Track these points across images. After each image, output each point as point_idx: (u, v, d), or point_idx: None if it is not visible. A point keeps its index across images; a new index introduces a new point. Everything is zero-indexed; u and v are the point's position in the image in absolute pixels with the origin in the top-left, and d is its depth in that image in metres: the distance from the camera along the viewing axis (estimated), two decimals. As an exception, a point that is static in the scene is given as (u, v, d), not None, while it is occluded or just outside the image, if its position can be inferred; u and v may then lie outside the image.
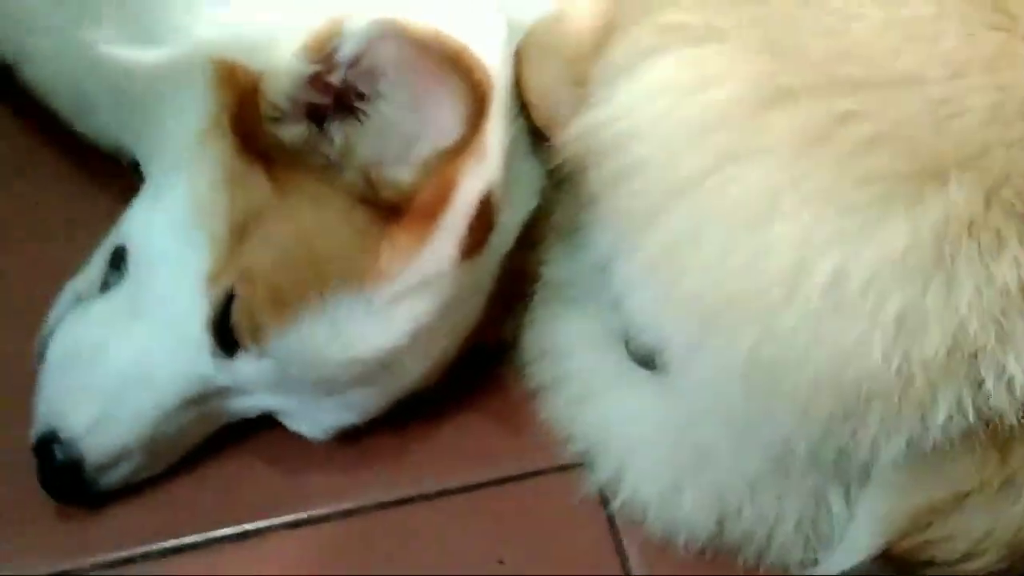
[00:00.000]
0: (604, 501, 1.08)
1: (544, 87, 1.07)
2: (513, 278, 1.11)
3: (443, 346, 1.07)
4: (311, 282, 0.98)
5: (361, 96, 0.95)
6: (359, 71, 0.94)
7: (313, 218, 0.98)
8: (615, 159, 0.95)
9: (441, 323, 1.04)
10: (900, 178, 0.88)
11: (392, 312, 1.01)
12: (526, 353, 1.12)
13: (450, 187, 1.00)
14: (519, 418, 1.13)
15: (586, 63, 1.02)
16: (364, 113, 0.96)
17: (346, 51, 0.93)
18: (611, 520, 1.08)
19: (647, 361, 1.03)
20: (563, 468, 1.10)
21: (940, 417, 0.88)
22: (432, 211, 1.00)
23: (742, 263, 0.89)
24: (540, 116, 1.07)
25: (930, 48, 0.90)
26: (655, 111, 0.94)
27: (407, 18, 0.91)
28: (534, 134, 1.10)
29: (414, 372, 1.06)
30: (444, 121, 0.92)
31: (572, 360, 1.09)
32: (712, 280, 0.91)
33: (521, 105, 1.10)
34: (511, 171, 1.08)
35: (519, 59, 1.09)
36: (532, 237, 1.11)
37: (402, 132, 0.95)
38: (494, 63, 1.05)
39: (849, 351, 0.87)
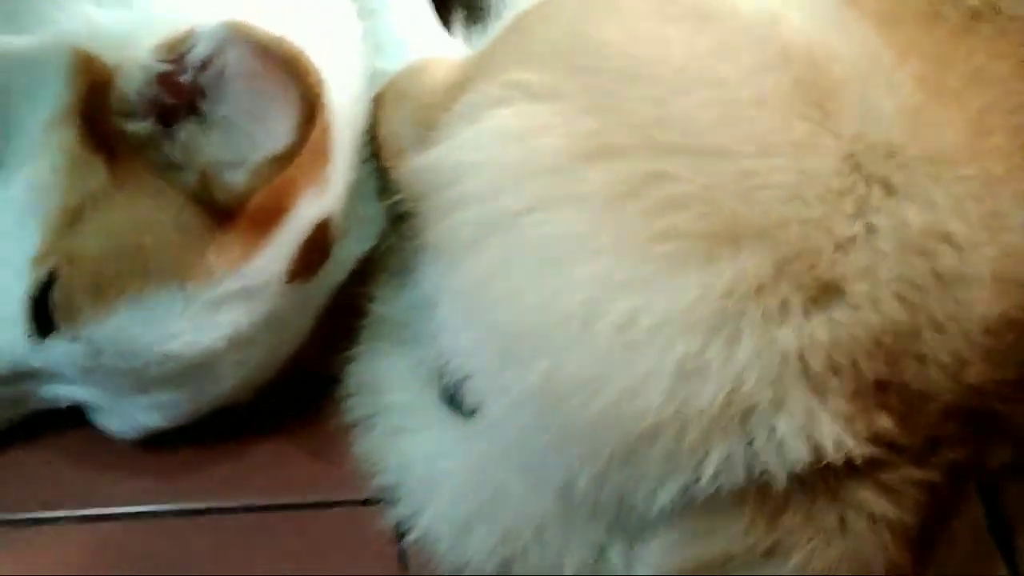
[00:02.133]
0: (400, 536, 1.10)
1: (395, 127, 1.12)
2: (343, 313, 1.14)
3: (261, 361, 1.09)
4: (134, 272, 1.00)
5: (207, 98, 0.99)
6: (208, 73, 0.98)
7: (145, 211, 1.01)
8: (443, 193, 1.00)
9: (261, 337, 1.07)
10: (699, 237, 0.93)
11: (211, 315, 1.03)
12: (347, 386, 1.15)
13: (285, 202, 1.03)
14: (333, 449, 1.14)
15: (437, 110, 1.07)
16: (208, 115, 0.99)
17: (197, 52, 0.97)
18: (402, 556, 1.09)
19: (457, 403, 1.05)
20: (366, 502, 1.12)
21: (711, 467, 0.92)
22: (264, 222, 1.03)
23: (543, 299, 0.94)
24: (387, 153, 1.11)
25: (746, 128, 0.96)
26: (486, 152, 0.99)
27: (256, 24, 0.95)
28: (382, 179, 1.15)
29: (228, 382, 1.07)
30: (277, 127, 0.96)
31: (389, 396, 1.12)
32: (514, 313, 0.95)
33: (373, 149, 1.14)
34: (354, 208, 1.12)
35: (377, 103, 1.14)
36: (366, 275, 1.15)
37: (240, 136, 0.98)
38: (349, 100, 1.10)
39: (632, 391, 0.91)
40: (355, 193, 1.12)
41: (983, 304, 0.96)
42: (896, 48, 1.03)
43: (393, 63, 1.16)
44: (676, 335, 0.91)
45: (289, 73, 0.94)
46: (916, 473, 0.97)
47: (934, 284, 0.95)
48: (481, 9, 1.25)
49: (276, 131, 0.96)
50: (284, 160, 0.97)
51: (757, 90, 0.97)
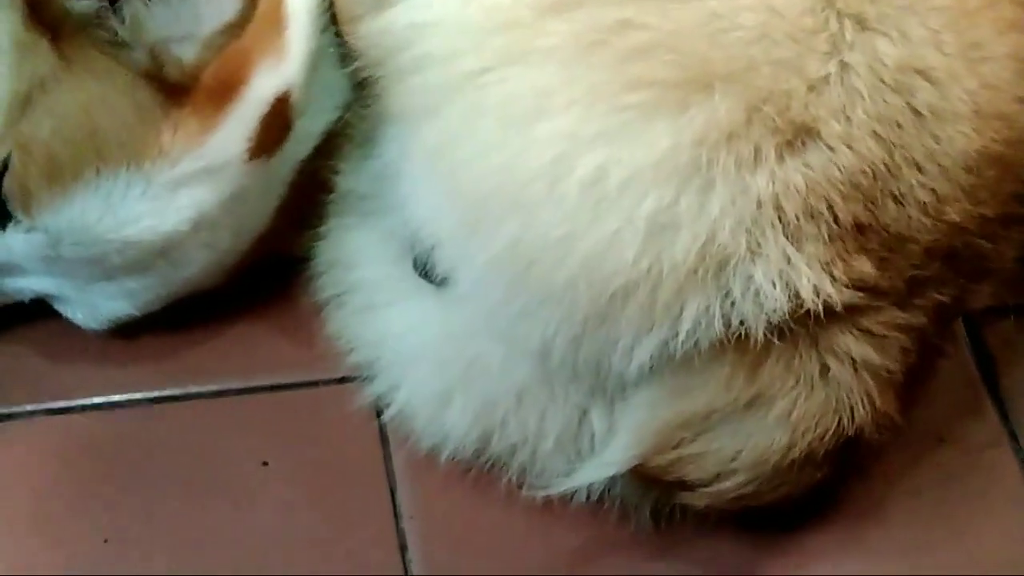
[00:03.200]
0: (378, 413, 1.08)
1: (350, -6, 1.08)
2: (309, 188, 1.11)
3: (228, 243, 1.06)
4: (88, 156, 0.97)
5: (152, -32, 0.95)
6: (151, -56, 0.94)
7: (96, 92, 0.97)
8: (400, 56, 0.96)
9: (226, 218, 1.04)
10: (668, 86, 0.89)
11: (172, 196, 1.00)
12: (317, 264, 1.12)
13: (240, 77, 1.00)
14: (305, 329, 1.12)
15: (393, -29, 1.03)
16: (153, -13, 0.96)
17: (139, -77, 0.93)
18: (383, 432, 1.08)
19: (429, 274, 1.03)
20: (342, 380, 1.10)
21: (688, 322, 0.89)
22: (220, 97, 0.99)
23: (508, 158, 0.91)
24: (345, 19, 1.07)
25: (711, -33, 0.92)
26: (443, 9, 0.95)
27: None
28: (343, 47, 1.11)
29: (195, 265, 1.05)
30: (223, -4, 0.92)
31: (359, 272, 1.09)
32: (480, 175, 0.92)
33: (332, 16, 1.10)
34: (315, 79, 1.08)
35: (332, -34, 1.10)
36: (332, 147, 1.11)
37: (186, 9, 0.94)
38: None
39: (603, 249, 0.89)
40: (316, 63, 1.08)
41: (963, 139, 0.93)
42: None
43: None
44: (647, 188, 0.88)
45: (229, -63, 0.90)
46: (899, 316, 0.95)
47: (911, 121, 0.92)
48: None
49: (222, 1, 0.92)
50: (233, 30, 0.94)
51: (723, -72, 0.93)
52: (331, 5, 1.10)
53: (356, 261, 1.10)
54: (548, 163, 0.89)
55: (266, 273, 1.12)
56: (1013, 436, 1.13)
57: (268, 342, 1.13)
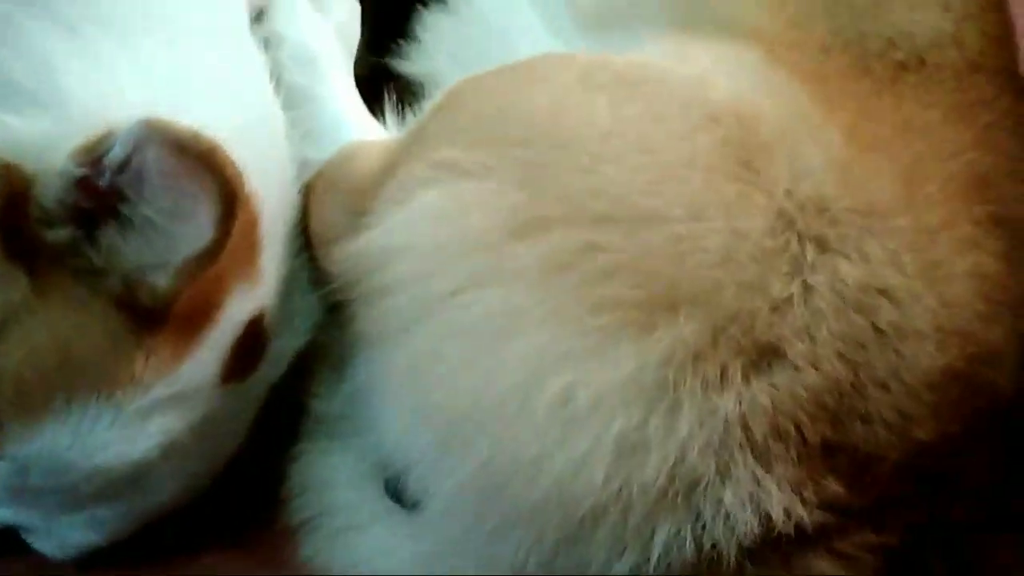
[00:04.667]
0: (352, 639, 1.06)
1: (326, 216, 1.10)
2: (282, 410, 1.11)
3: (198, 467, 1.06)
4: (58, 385, 0.97)
5: (127, 200, 0.96)
6: (126, 174, 0.95)
7: (69, 320, 0.98)
8: (373, 279, 0.98)
9: (197, 443, 1.04)
10: (634, 307, 0.91)
11: (142, 424, 1.00)
12: (290, 488, 1.12)
13: (214, 302, 1.01)
14: (279, 554, 1.11)
15: (367, 196, 1.06)
16: (128, 218, 0.97)
17: (114, 154, 0.95)
18: (356, 658, 1.06)
19: (400, 497, 1.02)
20: (314, 605, 1.09)
21: (660, 546, 0.89)
22: (193, 324, 1.00)
23: (477, 381, 0.91)
24: (320, 243, 1.09)
25: (675, 191, 0.94)
26: (414, 234, 0.97)
27: (171, 120, 0.93)
28: (316, 270, 1.12)
29: (165, 491, 1.04)
30: (197, 224, 0.94)
31: (333, 496, 1.09)
32: (449, 398, 0.93)
33: (306, 239, 1.13)
34: (288, 301, 1.10)
35: (308, 193, 1.12)
36: (305, 370, 1.12)
37: (161, 237, 0.96)
38: (278, 191, 1.08)
39: (573, 470, 0.89)
40: (289, 286, 1.10)
41: (926, 358, 0.94)
42: (823, 104, 1.03)
43: (322, 151, 1.14)
44: (615, 409, 0.89)
45: (205, 168, 0.92)
46: (871, 538, 0.94)
47: (875, 340, 0.93)
48: (412, 92, 1.24)
49: (196, 229, 0.94)
50: (207, 258, 0.95)
51: (685, 153, 0.96)
52: (305, 228, 1.12)
53: (329, 483, 1.09)
54: (517, 384, 0.90)
55: (238, 495, 1.12)
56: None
57: (242, 567, 1.11)
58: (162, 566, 1.09)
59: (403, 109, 1.19)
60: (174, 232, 0.95)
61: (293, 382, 1.12)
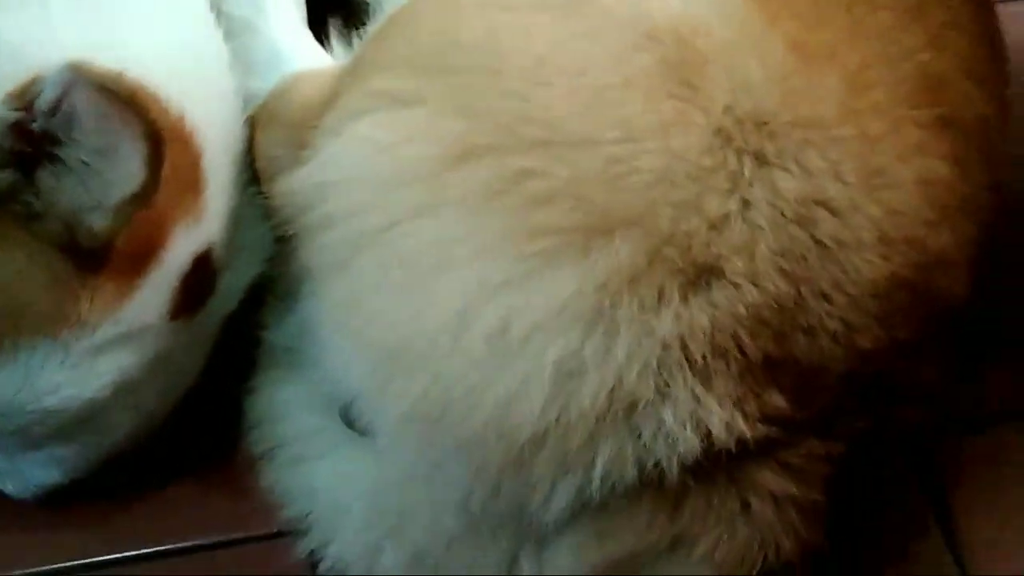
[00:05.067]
0: (313, 566, 1.07)
1: (269, 149, 1.09)
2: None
3: (154, 404, 1.06)
4: (4, 328, 0.98)
5: (60, 143, 0.96)
6: (58, 117, 0.95)
7: (12, 265, 0.98)
8: (310, 214, 0.98)
9: (150, 380, 1.04)
10: (569, 232, 0.90)
11: (91, 364, 1.00)
12: (248, 419, 1.12)
13: (156, 240, 1.01)
14: (240, 484, 1.12)
15: (307, 128, 1.05)
16: (63, 160, 0.96)
17: (45, 97, 0.94)
18: (318, 585, 1.07)
19: (354, 424, 1.03)
20: (278, 535, 1.10)
21: (601, 467, 0.89)
22: (136, 263, 1.00)
23: (414, 311, 0.91)
24: (265, 177, 1.09)
25: (610, 113, 0.93)
26: (349, 167, 0.97)
27: (97, 63, 0.92)
28: (265, 203, 1.12)
29: (122, 429, 1.05)
30: (127, 165, 0.93)
31: (290, 425, 1.09)
32: (388, 329, 0.93)
33: (253, 173, 1.12)
34: (239, 235, 1.09)
35: (252, 126, 1.12)
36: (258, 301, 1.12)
37: (95, 178, 0.95)
38: (221, 125, 1.08)
39: (511, 398, 0.89)
40: (239, 220, 1.10)
41: (869, 267, 0.94)
42: (768, 13, 1.01)
43: (265, 82, 1.13)
44: (551, 335, 0.88)
45: (129, 109, 0.91)
46: (818, 447, 0.95)
47: (815, 253, 0.93)
48: (360, 14, 1.22)
49: (126, 169, 0.94)
50: (140, 198, 0.95)
51: (622, 74, 0.95)
52: (252, 163, 1.12)
53: (285, 414, 1.10)
54: (453, 315, 0.90)
55: (199, 427, 1.12)
56: (959, 562, 1.13)
57: (204, 498, 1.12)
58: (126, 500, 1.11)
59: (351, 32, 1.18)
60: (106, 173, 0.95)
61: (250, 314, 1.12)
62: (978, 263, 1.05)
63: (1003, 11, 1.41)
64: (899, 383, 0.99)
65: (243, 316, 1.11)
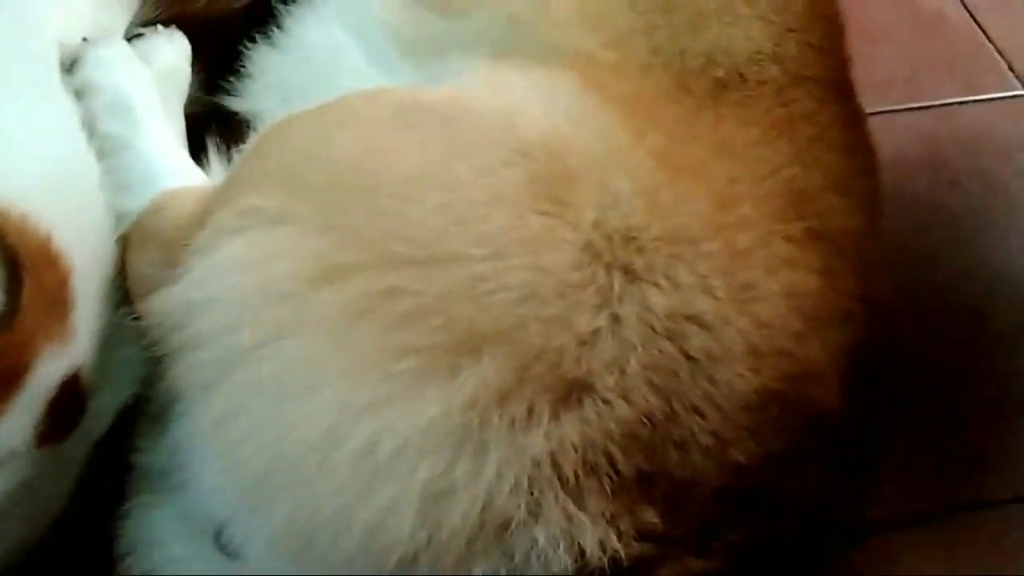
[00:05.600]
0: None
1: (142, 268, 1.08)
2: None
3: (22, 531, 1.03)
4: None
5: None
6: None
7: None
8: (179, 334, 0.96)
9: (17, 507, 1.01)
10: (436, 351, 0.90)
11: (-45, 492, 0.98)
12: (121, 545, 1.09)
13: (20, 365, 0.99)
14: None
15: (179, 246, 1.04)
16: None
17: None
18: None
19: (226, 549, 1.01)
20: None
21: (476, 591, 0.88)
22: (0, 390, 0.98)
23: (281, 433, 0.90)
24: (137, 296, 1.07)
25: (478, 230, 0.93)
26: (218, 286, 0.96)
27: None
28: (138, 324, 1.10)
29: (-12, 557, 1.02)
30: (-14, 291, 0.92)
31: (163, 551, 1.06)
32: (256, 451, 0.91)
33: (126, 292, 1.10)
34: (109, 357, 1.07)
35: (123, 245, 1.10)
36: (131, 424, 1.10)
37: (-46, 304, 0.94)
38: (91, 245, 1.06)
39: (379, 521, 0.88)
40: (110, 341, 1.08)
41: (740, 381, 0.94)
42: (635, 129, 1.02)
43: (138, 200, 1.12)
44: (419, 456, 0.87)
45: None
46: (695, 563, 0.94)
47: (687, 367, 0.93)
48: (240, 132, 1.22)
49: (-15, 295, 0.92)
50: (1, 326, 0.93)
51: (490, 190, 0.95)
52: (124, 282, 1.10)
53: (159, 540, 1.06)
54: (319, 436, 0.89)
55: (74, 555, 1.09)
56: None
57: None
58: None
59: (230, 150, 1.18)
60: (-35, 300, 0.93)
61: (122, 437, 1.10)
62: (853, 373, 1.06)
63: (878, 123, 1.46)
64: (775, 495, 0.99)
65: (115, 438, 1.09)
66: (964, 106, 1.60)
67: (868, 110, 1.48)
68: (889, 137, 1.49)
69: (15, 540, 1.03)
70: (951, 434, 1.29)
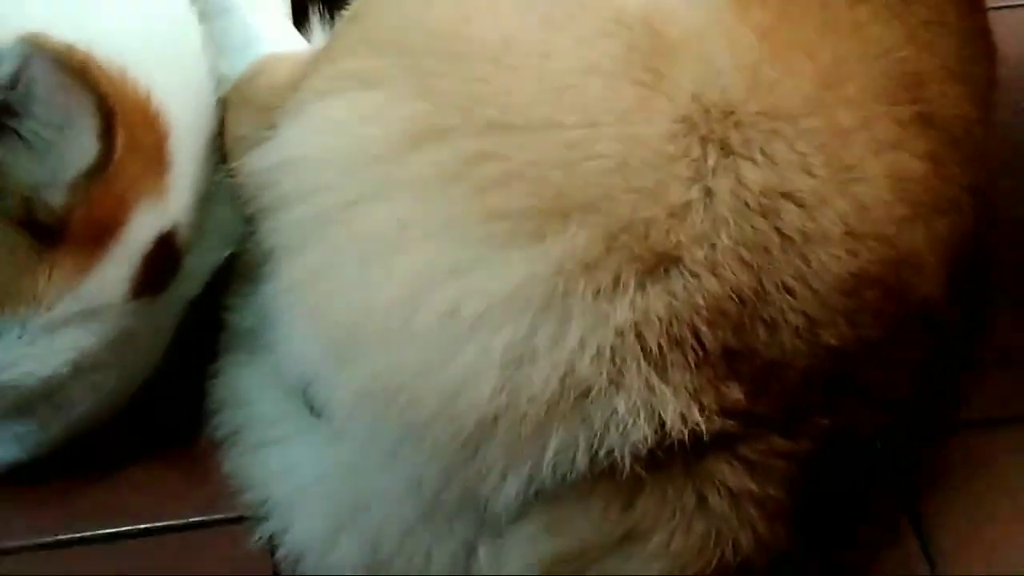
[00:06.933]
0: (272, 552, 1.06)
1: (240, 130, 1.09)
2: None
3: (116, 383, 1.05)
4: None
5: (18, 116, 0.95)
6: (16, 91, 0.94)
7: (-31, 241, 0.98)
8: (270, 193, 0.97)
9: (111, 359, 1.03)
10: (524, 216, 0.89)
11: (50, 340, 0.99)
12: (212, 402, 1.11)
13: (117, 218, 1.00)
14: (204, 467, 1.11)
15: (276, 111, 1.04)
16: (20, 135, 0.96)
17: (2, 71, 0.94)
18: (276, 573, 1.06)
19: (315, 408, 1.02)
20: (239, 519, 1.08)
21: (552, 455, 0.88)
22: (95, 239, 0.99)
23: (366, 293, 0.90)
24: (235, 158, 1.08)
25: (571, 98, 0.92)
26: (309, 146, 0.96)
27: (55, 37, 0.92)
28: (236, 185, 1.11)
29: (83, 407, 1.04)
30: (80, 140, 0.93)
31: (252, 409, 1.08)
32: (341, 310, 0.92)
33: (224, 155, 1.11)
34: (208, 216, 1.09)
35: (223, 107, 1.11)
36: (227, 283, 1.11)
37: (51, 154, 0.95)
38: (192, 105, 1.07)
39: (460, 383, 0.87)
40: (207, 201, 1.09)
41: (835, 262, 0.92)
42: (740, 3, 0.99)
43: (238, 64, 1.13)
44: (502, 320, 0.87)
45: (80, 84, 0.91)
46: (780, 444, 0.93)
47: (779, 245, 0.91)
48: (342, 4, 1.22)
49: (80, 145, 0.93)
50: (96, 173, 0.94)
51: (587, 59, 0.94)
52: (223, 144, 1.11)
53: (247, 398, 1.09)
54: (403, 298, 0.89)
55: (164, 409, 1.12)
56: (931, 563, 1.11)
57: (167, 480, 1.11)
58: (88, 481, 1.10)
59: (334, 19, 1.17)
60: (61, 148, 0.94)
61: (217, 296, 1.11)
62: (957, 265, 1.03)
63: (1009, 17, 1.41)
64: (868, 383, 0.97)
65: (211, 297, 1.11)
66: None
67: (1000, 3, 1.44)
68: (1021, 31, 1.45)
69: (109, 392, 1.05)
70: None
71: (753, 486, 0.92)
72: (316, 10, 1.19)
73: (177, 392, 1.11)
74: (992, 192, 1.13)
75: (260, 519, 1.06)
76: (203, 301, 1.10)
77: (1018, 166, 1.34)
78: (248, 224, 1.07)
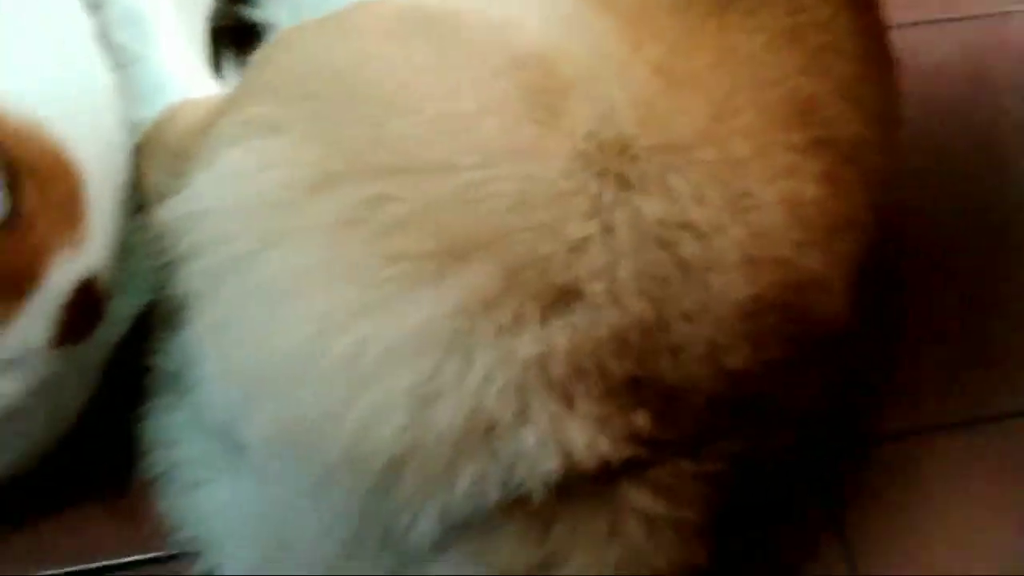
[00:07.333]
0: (205, 589, 1.08)
1: (153, 178, 1.10)
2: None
3: (43, 430, 1.07)
4: None
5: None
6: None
7: None
8: (183, 241, 0.98)
9: (36, 405, 1.05)
10: (424, 258, 0.91)
11: (-27, 390, 1.01)
12: (143, 443, 1.13)
13: (34, 269, 1.02)
14: (137, 507, 1.13)
15: (186, 157, 1.06)
16: (-65, 192, 0.98)
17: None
18: (209, 609, 1.08)
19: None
20: (172, 557, 1.10)
21: (463, 489, 0.90)
22: (13, 290, 1.01)
23: (271, 338, 0.92)
24: (147, 206, 1.10)
25: (467, 139, 0.94)
26: (216, 195, 0.98)
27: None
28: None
29: (8, 455, 1.06)
30: (-9, 196, 0.95)
31: (181, 449, 1.10)
32: (248, 356, 0.94)
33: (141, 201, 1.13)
34: (127, 262, 1.10)
35: (137, 154, 1.13)
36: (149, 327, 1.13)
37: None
38: (105, 153, 1.09)
39: (366, 425, 0.90)
40: (128, 248, 1.11)
41: (734, 288, 0.95)
42: (633, 39, 1.02)
43: (151, 112, 1.14)
44: (405, 361, 0.89)
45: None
46: (689, 467, 0.95)
47: (678, 274, 0.93)
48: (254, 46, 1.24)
49: (-10, 199, 0.95)
50: (6, 228, 0.96)
51: (482, 99, 0.96)
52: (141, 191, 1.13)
53: (177, 439, 1.10)
54: (307, 342, 0.91)
55: (94, 452, 1.13)
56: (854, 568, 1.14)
57: (98, 522, 1.13)
58: (20, 524, 1.11)
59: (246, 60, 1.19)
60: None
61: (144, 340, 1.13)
62: (860, 282, 1.06)
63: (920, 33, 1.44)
64: (774, 404, 1.00)
65: (138, 340, 1.13)
66: (1010, 16, 1.57)
67: (909, 20, 1.47)
68: (930, 47, 1.48)
69: (37, 439, 1.07)
70: (970, 345, 1.29)
71: (666, 510, 0.94)
72: (230, 53, 1.22)
73: (108, 434, 1.13)
74: (903, 206, 1.16)
75: (192, 557, 1.08)
76: (130, 344, 1.12)
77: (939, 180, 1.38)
78: (165, 271, 1.08)
